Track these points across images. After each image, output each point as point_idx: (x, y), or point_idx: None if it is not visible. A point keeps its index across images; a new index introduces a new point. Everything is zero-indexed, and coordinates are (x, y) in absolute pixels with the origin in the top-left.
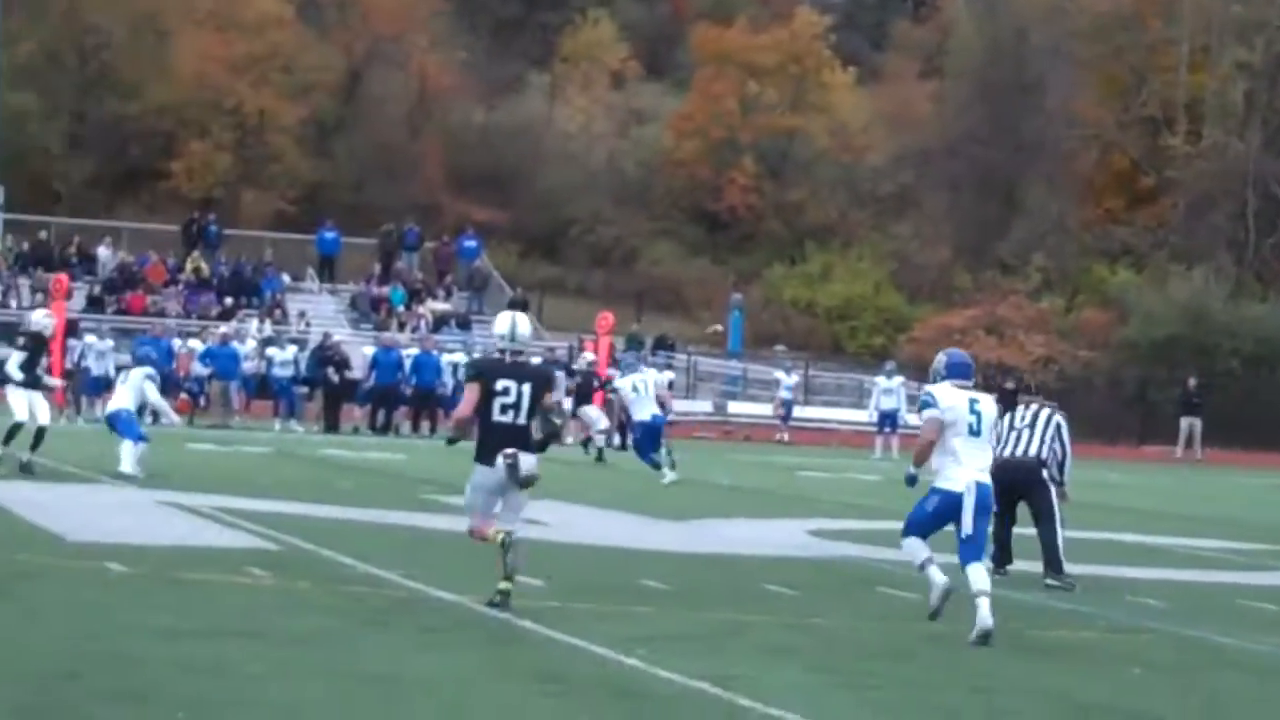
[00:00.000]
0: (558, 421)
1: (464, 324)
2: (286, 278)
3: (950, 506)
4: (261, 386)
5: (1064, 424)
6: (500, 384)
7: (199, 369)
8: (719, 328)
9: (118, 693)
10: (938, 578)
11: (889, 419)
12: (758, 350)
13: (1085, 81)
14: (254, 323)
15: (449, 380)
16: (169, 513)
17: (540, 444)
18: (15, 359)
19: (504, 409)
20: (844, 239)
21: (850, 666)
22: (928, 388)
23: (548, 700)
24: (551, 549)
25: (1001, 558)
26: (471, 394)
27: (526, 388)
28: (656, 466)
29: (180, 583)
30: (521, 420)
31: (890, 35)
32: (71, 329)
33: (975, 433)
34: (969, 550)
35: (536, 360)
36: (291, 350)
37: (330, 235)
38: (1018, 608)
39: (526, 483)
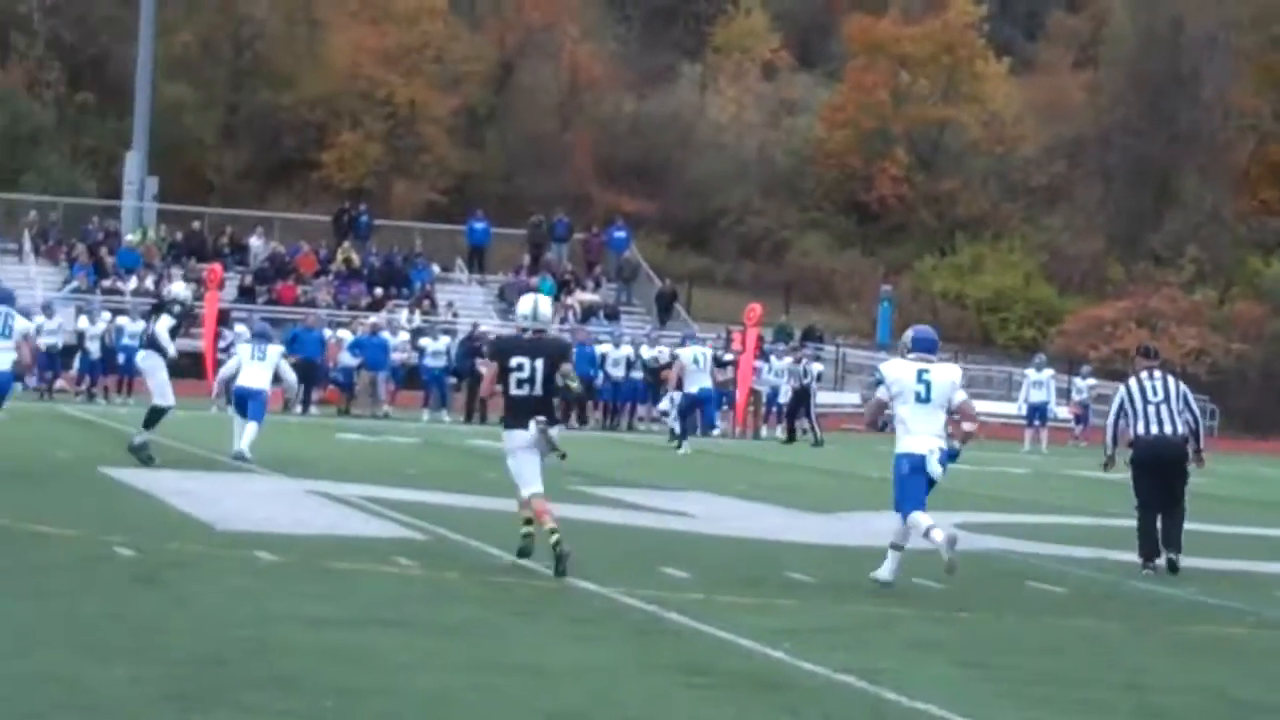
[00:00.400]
0: (572, 385)
1: (613, 315)
2: (436, 268)
3: (915, 466)
4: (410, 377)
5: (1189, 391)
6: (514, 360)
7: (347, 359)
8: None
9: (266, 680)
10: (938, 537)
11: (1038, 412)
12: None
13: (1242, 71)
14: (404, 313)
15: (600, 371)
16: (318, 502)
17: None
18: (165, 324)
19: (519, 383)
20: (995, 230)
21: (997, 661)
22: (881, 365)
23: (693, 692)
24: (698, 541)
25: (1150, 551)
26: (490, 372)
27: (540, 362)
28: (682, 435)
29: (328, 572)
30: (538, 392)
31: (1044, 25)
32: (223, 319)
33: (924, 400)
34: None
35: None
36: (444, 340)
37: (480, 226)
38: (1167, 603)
39: (551, 447)
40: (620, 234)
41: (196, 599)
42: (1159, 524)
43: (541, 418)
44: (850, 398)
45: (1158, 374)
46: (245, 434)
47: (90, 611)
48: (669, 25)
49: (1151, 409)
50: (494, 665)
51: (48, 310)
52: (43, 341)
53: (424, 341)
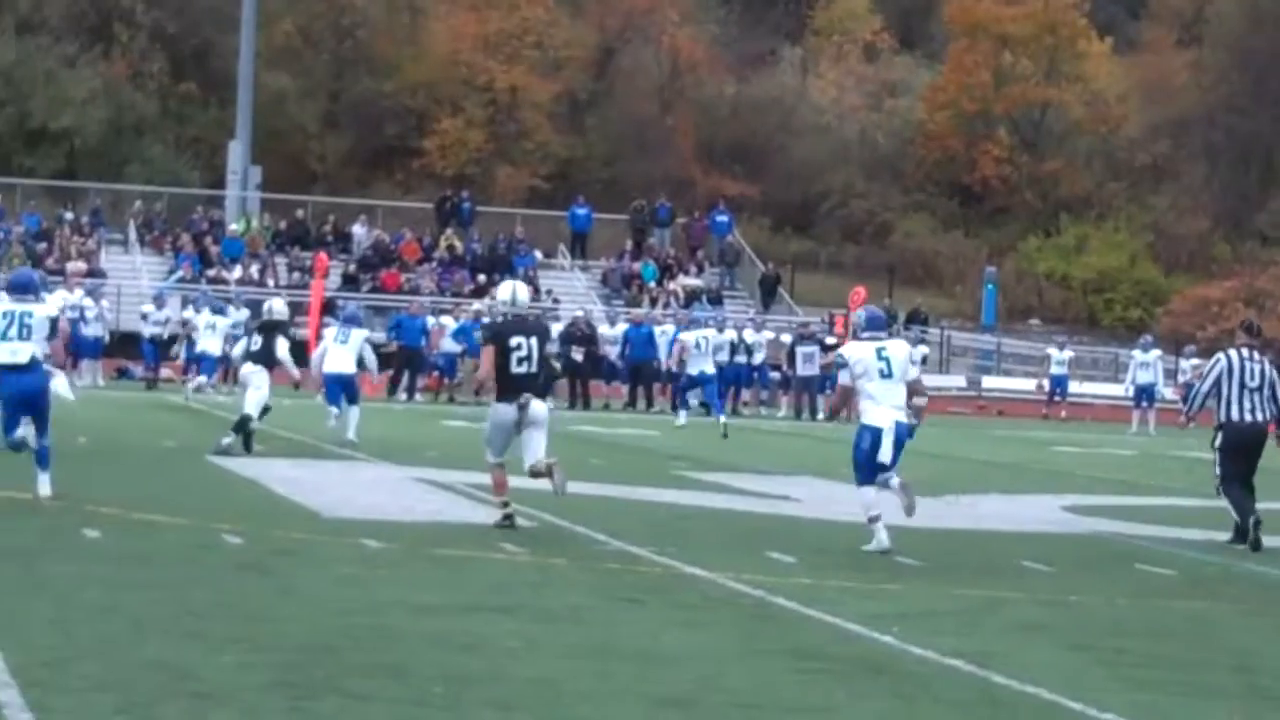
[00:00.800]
0: (556, 365)
1: (716, 299)
2: (539, 254)
3: (876, 440)
4: None
5: (1276, 379)
6: (514, 340)
7: (450, 345)
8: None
9: (374, 667)
10: (882, 536)
11: (1145, 393)
12: (1011, 324)
13: None
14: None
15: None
16: (423, 489)
17: (544, 387)
18: (286, 346)
19: (519, 361)
20: (1099, 211)
21: (1107, 644)
22: (841, 349)
23: (802, 677)
24: (804, 525)
25: (1247, 513)
26: (488, 355)
27: (534, 341)
28: (677, 408)
29: (435, 559)
30: (534, 369)
31: (1147, 3)
32: (329, 308)
33: (887, 375)
34: (887, 474)
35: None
36: (556, 328)
37: (582, 211)
38: (1278, 587)
39: (531, 423)
40: (722, 218)
41: (304, 587)
42: None
43: (526, 395)
44: (956, 380)
45: (1256, 355)
46: (349, 421)
47: (199, 599)
48: (769, 8)
49: (1248, 395)
50: (602, 651)
51: (157, 301)
52: (149, 331)
53: None
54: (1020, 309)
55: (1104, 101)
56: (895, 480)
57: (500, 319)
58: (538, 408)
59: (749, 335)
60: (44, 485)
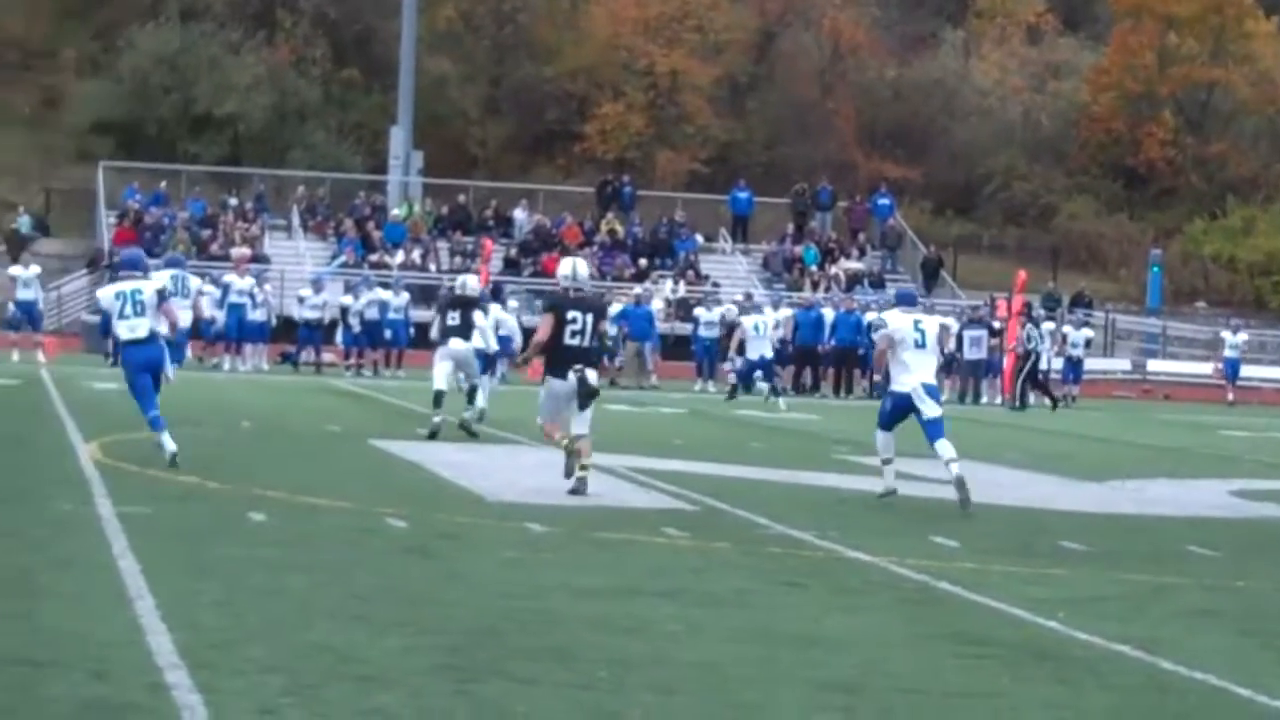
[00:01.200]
0: (608, 343)
1: (877, 283)
2: (700, 238)
3: (900, 404)
4: (677, 347)
5: None
6: (571, 314)
7: (610, 329)
8: None
9: (539, 650)
10: (889, 478)
11: None
12: (1177, 307)
13: None
14: (667, 284)
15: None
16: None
17: (595, 362)
18: (483, 319)
19: (573, 334)
20: (1267, 192)
21: (1276, 630)
22: (883, 313)
23: (966, 662)
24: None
25: None
26: (547, 324)
27: (589, 317)
28: (736, 393)
29: (598, 542)
30: (586, 343)
31: None
32: (496, 292)
33: (920, 345)
34: (934, 429)
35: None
36: (718, 311)
37: (743, 195)
38: None
39: (591, 393)
40: (884, 201)
41: (468, 570)
42: None
43: (580, 366)
44: (1121, 364)
45: None
46: (480, 393)
47: (364, 583)
48: None
49: None
50: (765, 635)
51: (316, 285)
52: (307, 315)
53: (698, 311)
54: (1186, 292)
55: (1271, 81)
56: (955, 469)
57: (561, 292)
58: (592, 377)
59: None
60: (166, 442)
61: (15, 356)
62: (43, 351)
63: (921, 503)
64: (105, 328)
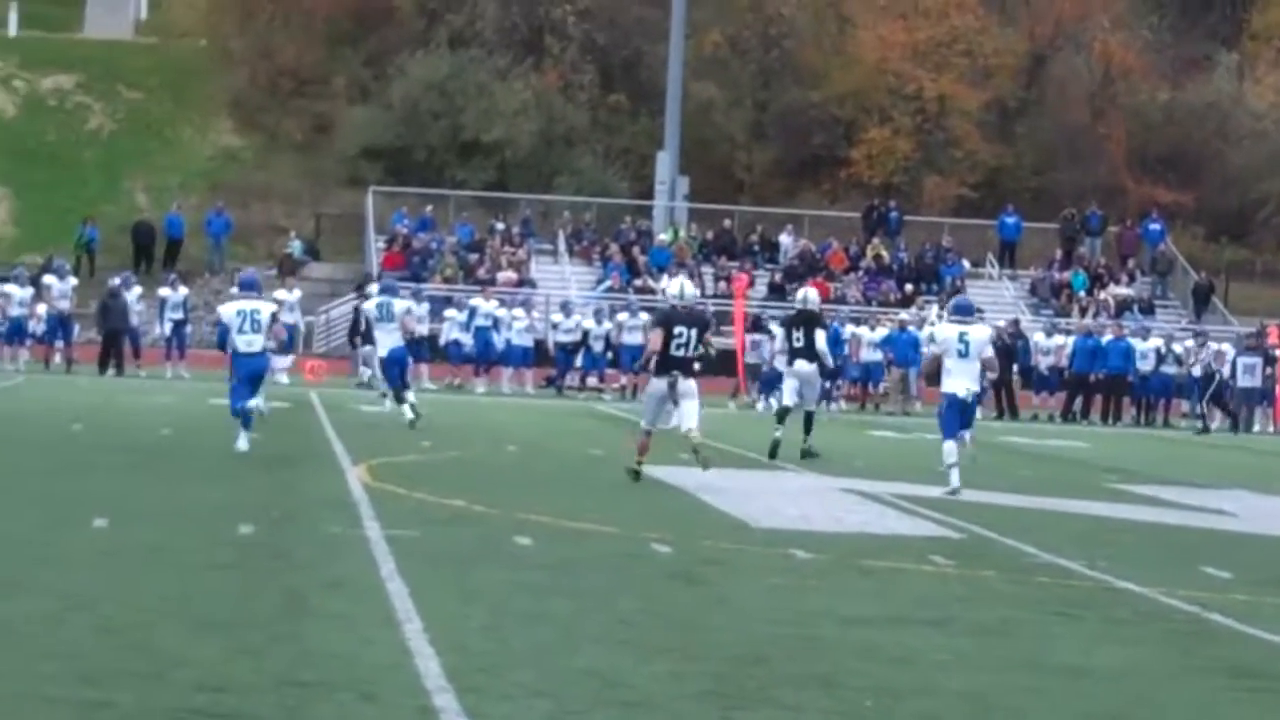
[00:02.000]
0: (711, 352)
1: (1147, 309)
2: (966, 263)
3: (953, 404)
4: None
5: None
6: (678, 329)
7: (871, 355)
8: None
9: (804, 677)
10: (954, 479)
11: None
12: None
13: None
14: (933, 309)
15: (1142, 366)
16: (850, 499)
17: (700, 367)
18: (822, 337)
19: (678, 346)
20: None
21: None
22: (930, 328)
23: (1240, 695)
24: (1240, 540)
25: None
26: (657, 336)
27: (693, 331)
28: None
29: (865, 570)
30: (689, 353)
31: None
32: (756, 325)
33: (964, 355)
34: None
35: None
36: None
37: (1011, 220)
38: None
39: (682, 395)
40: (1155, 226)
41: (734, 596)
42: None
43: (676, 372)
44: None
45: None
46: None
47: (630, 608)
48: (1204, 13)
49: None
50: (1033, 666)
51: (566, 309)
52: (561, 339)
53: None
54: None
55: None
56: (967, 435)
57: (669, 308)
58: (687, 383)
59: (1177, 346)
60: (243, 441)
61: (284, 379)
62: (287, 374)
63: (1191, 533)
64: (222, 340)
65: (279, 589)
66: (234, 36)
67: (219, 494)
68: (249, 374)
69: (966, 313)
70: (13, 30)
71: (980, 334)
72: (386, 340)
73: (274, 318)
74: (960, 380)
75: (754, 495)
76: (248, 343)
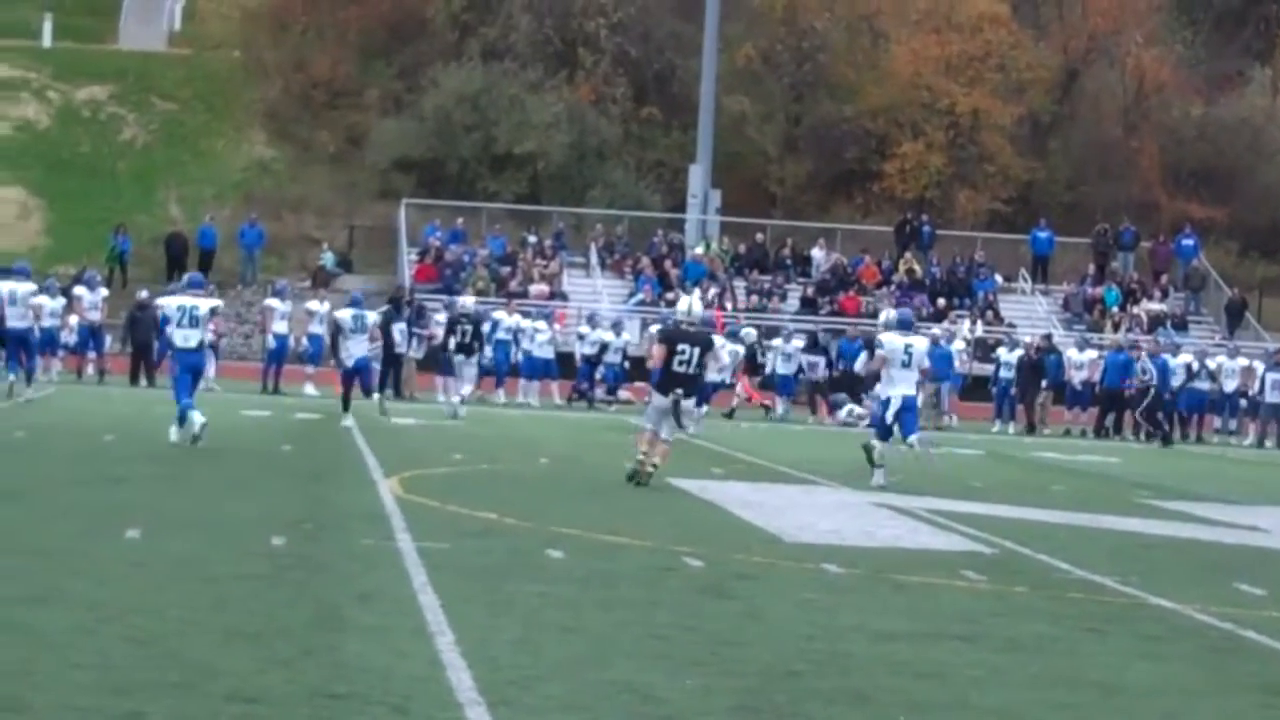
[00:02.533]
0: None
1: (1180, 325)
2: (999, 278)
3: (907, 405)
4: (974, 387)
5: None
6: (680, 346)
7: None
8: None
9: (837, 693)
10: (879, 477)
11: None
12: None
13: None
14: (965, 324)
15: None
16: (882, 514)
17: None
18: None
19: (680, 363)
20: None
21: None
22: (881, 336)
23: (1273, 714)
24: (1274, 556)
25: None
26: (660, 352)
27: (696, 350)
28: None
29: (897, 585)
30: (691, 371)
31: None
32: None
33: (905, 365)
34: (907, 425)
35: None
36: (1019, 352)
37: (1044, 235)
38: None
39: (682, 415)
40: (1188, 242)
41: (766, 611)
42: None
43: (680, 390)
44: None
45: None
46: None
47: (662, 621)
48: (1239, 28)
49: None
50: (1065, 682)
51: (591, 321)
52: (586, 351)
53: (999, 351)
54: None
55: None
56: (915, 439)
57: (674, 325)
58: (689, 404)
59: (1212, 362)
60: (174, 433)
61: (311, 389)
62: (312, 385)
63: (1225, 549)
64: (161, 330)
65: (311, 601)
66: (267, 48)
67: (251, 505)
68: (186, 367)
69: (908, 327)
70: (47, 41)
71: (921, 345)
72: (355, 350)
73: (212, 312)
74: (901, 387)
75: (786, 509)
76: (184, 337)
